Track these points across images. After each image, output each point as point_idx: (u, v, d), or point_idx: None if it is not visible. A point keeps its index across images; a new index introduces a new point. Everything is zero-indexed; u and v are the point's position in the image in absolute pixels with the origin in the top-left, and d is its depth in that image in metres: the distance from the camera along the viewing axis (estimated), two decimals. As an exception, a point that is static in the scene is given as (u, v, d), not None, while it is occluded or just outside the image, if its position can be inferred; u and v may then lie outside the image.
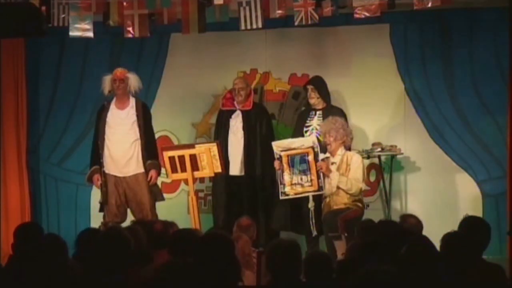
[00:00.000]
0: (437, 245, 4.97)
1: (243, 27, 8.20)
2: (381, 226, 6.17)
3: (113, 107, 8.53)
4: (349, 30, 9.36)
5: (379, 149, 8.96)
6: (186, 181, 8.63)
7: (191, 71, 9.73)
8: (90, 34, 8.37)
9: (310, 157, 8.19)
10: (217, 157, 8.27)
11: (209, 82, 9.61)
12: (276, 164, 8.32)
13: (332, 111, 8.63)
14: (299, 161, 8.23)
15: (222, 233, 5.06)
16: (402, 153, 9.10)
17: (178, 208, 9.28)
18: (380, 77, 9.36)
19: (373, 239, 5.38)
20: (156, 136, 8.86)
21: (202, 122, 9.71)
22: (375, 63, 9.38)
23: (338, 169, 8.15)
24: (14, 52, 9.74)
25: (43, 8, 8.09)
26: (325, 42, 9.56)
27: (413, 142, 9.31)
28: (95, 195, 9.66)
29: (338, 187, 8.10)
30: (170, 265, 5.15)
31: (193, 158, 8.25)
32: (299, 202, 8.39)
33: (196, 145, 8.52)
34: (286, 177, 8.25)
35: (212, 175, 8.43)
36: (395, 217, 8.10)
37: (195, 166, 8.26)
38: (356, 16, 8.05)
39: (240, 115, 8.91)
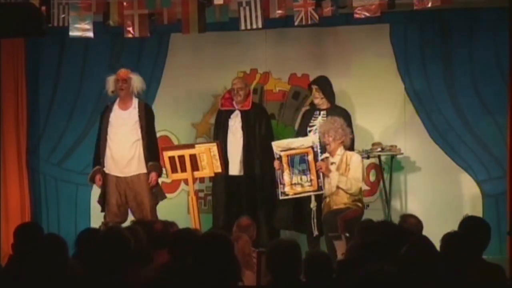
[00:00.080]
0: (437, 245, 4.97)
1: (243, 27, 8.20)
2: (381, 226, 6.17)
3: (116, 108, 8.55)
4: (349, 30, 9.36)
5: (379, 149, 8.96)
6: (186, 181, 8.63)
7: (191, 71, 9.73)
8: (90, 34, 8.37)
9: (310, 157, 8.20)
10: (217, 157, 8.27)
11: (209, 82, 9.61)
12: (276, 164, 8.32)
13: (337, 111, 8.61)
14: (298, 161, 8.24)
15: (222, 233, 5.06)
16: (402, 153, 9.11)
17: (178, 208, 9.28)
18: (380, 77, 9.36)
19: (373, 239, 5.38)
20: (156, 136, 8.87)
21: (202, 122, 9.71)
22: (375, 63, 9.38)
23: (337, 169, 8.15)
24: (14, 52, 9.74)
25: (43, 8, 8.09)
26: (325, 42, 9.56)
27: (413, 142, 9.31)
28: (95, 195, 9.65)
29: (337, 187, 8.10)
30: (170, 265, 5.16)
31: (193, 158, 8.25)
32: (301, 202, 8.39)
33: (196, 145, 8.52)
34: (286, 177, 8.25)
35: (212, 175, 8.43)
36: (395, 217, 8.12)
37: (195, 166, 8.27)
38: (356, 16, 8.05)
39: (239, 115, 8.91)
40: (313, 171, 8.16)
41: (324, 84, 8.73)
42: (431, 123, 9.30)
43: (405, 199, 9.33)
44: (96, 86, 9.81)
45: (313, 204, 8.21)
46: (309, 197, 8.24)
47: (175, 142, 9.61)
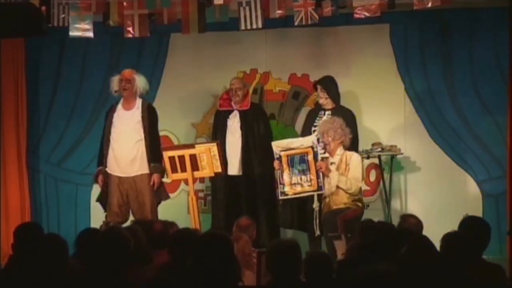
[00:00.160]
0: (437, 245, 4.97)
1: (243, 27, 8.20)
2: (381, 226, 6.17)
3: (119, 108, 8.57)
4: (349, 30, 9.37)
5: (379, 149, 8.96)
6: (186, 181, 8.63)
7: (191, 71, 9.74)
8: (90, 34, 8.38)
9: (310, 157, 8.19)
10: (217, 157, 8.27)
11: (209, 82, 9.61)
12: (276, 164, 8.32)
13: (342, 111, 8.59)
14: (298, 161, 8.23)
15: (221, 233, 5.06)
16: (402, 153, 9.11)
17: (178, 208, 9.27)
18: (380, 77, 9.36)
19: (373, 239, 5.38)
20: (160, 137, 8.87)
21: (202, 122, 9.71)
22: (375, 63, 9.38)
23: (337, 169, 8.15)
24: (14, 52, 9.74)
25: (43, 8, 8.09)
26: (325, 42, 9.56)
27: (413, 142, 9.31)
28: (95, 195, 9.65)
29: (337, 187, 8.10)
30: (170, 265, 5.16)
31: (193, 158, 8.25)
32: (305, 201, 8.38)
33: (196, 145, 8.52)
34: (286, 177, 8.25)
35: (212, 175, 8.43)
36: (395, 217, 8.12)
37: (195, 166, 8.26)
38: (356, 16, 8.05)
39: (238, 115, 8.91)
40: (313, 171, 8.16)
41: (329, 84, 8.70)
42: (431, 123, 9.30)
43: (405, 199, 9.33)
44: (96, 86, 9.82)
45: (315, 204, 8.20)
46: (312, 196, 8.24)
47: (175, 142, 9.61)
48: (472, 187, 9.18)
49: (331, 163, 8.19)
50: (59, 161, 9.96)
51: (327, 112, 8.62)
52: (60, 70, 9.95)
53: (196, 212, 8.27)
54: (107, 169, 8.49)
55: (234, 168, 8.78)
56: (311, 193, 8.22)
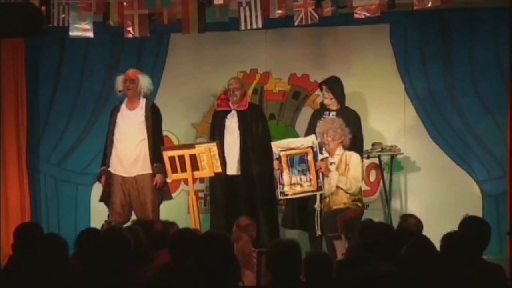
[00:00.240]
0: (437, 245, 4.97)
1: (243, 27, 8.20)
2: (381, 226, 6.18)
3: (123, 107, 8.59)
4: (349, 30, 9.36)
5: (379, 149, 8.96)
6: (186, 181, 8.63)
7: (191, 71, 9.74)
8: (90, 34, 8.38)
9: (309, 157, 8.19)
10: (217, 157, 8.27)
11: (209, 82, 9.61)
12: (275, 164, 8.31)
13: (346, 112, 8.59)
14: (298, 161, 8.23)
15: (221, 232, 5.06)
16: (402, 153, 9.11)
17: (178, 208, 9.27)
18: (380, 77, 9.36)
19: (373, 239, 5.38)
20: (163, 137, 8.87)
21: (202, 122, 9.71)
22: (375, 63, 9.38)
23: (337, 169, 8.14)
24: (14, 52, 9.74)
25: (43, 8, 8.09)
26: (325, 42, 9.56)
27: (413, 142, 9.31)
28: (95, 195, 9.67)
29: (337, 187, 8.10)
30: (170, 265, 5.16)
31: (193, 158, 8.25)
32: (306, 200, 8.38)
33: (196, 145, 8.51)
34: (285, 177, 8.24)
35: (212, 175, 8.42)
36: (395, 217, 8.12)
37: (195, 166, 8.26)
38: (356, 16, 8.05)
39: (236, 115, 8.91)
40: (313, 171, 8.16)
41: (334, 85, 8.68)
42: (431, 123, 9.30)
43: (405, 199, 9.33)
44: (96, 86, 9.83)
45: (317, 205, 8.19)
46: (314, 196, 8.23)
47: (175, 142, 9.61)
48: (472, 187, 9.18)
49: (331, 163, 8.19)
50: (59, 161, 9.96)
51: (331, 113, 8.61)
52: (60, 70, 9.94)
53: (196, 212, 8.26)
54: (110, 169, 8.50)
55: (232, 168, 8.77)
56: (311, 193, 8.21)
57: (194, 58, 9.75)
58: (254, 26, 8.15)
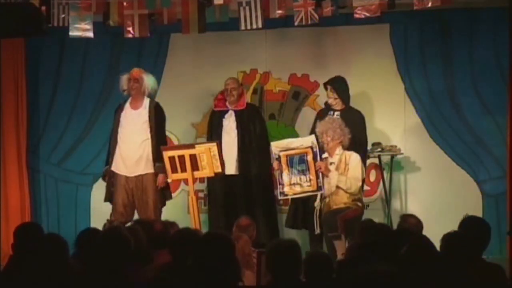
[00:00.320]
0: (437, 245, 4.97)
1: (243, 27, 8.20)
2: (381, 226, 6.18)
3: (127, 107, 8.60)
4: (349, 30, 9.36)
5: (379, 149, 8.97)
6: (186, 181, 8.63)
7: (191, 71, 9.74)
8: (90, 34, 8.38)
9: (309, 157, 8.19)
10: (217, 157, 8.27)
11: (209, 82, 9.60)
12: (275, 164, 8.32)
13: (351, 112, 8.59)
14: (298, 161, 8.23)
15: (223, 233, 5.06)
16: (402, 153, 9.11)
17: (178, 208, 9.28)
18: (380, 77, 9.36)
19: (373, 239, 5.38)
20: (166, 137, 8.87)
21: (202, 122, 9.70)
22: (375, 63, 9.38)
23: (336, 168, 8.15)
24: (14, 52, 9.74)
25: (43, 8, 8.09)
26: (325, 42, 9.56)
27: (413, 142, 9.31)
28: (95, 195, 9.68)
29: (337, 187, 8.10)
30: (170, 265, 5.16)
31: (193, 158, 8.25)
32: (307, 200, 8.37)
33: (196, 145, 8.51)
34: (285, 177, 8.25)
35: (212, 175, 8.42)
36: (395, 217, 8.12)
37: (195, 166, 8.26)
38: (356, 16, 8.05)
39: (233, 115, 8.92)
40: (312, 171, 8.16)
41: (338, 85, 8.67)
42: (431, 123, 9.30)
43: (405, 199, 9.33)
44: (96, 86, 9.83)
45: (317, 203, 8.19)
46: (316, 195, 8.23)
47: (175, 142, 9.60)
48: (472, 187, 9.18)
49: (331, 163, 8.19)
50: (59, 161, 9.95)
51: (336, 113, 8.61)
52: (60, 70, 9.94)
53: (196, 212, 8.26)
54: (113, 168, 8.51)
55: (230, 168, 8.77)
56: (311, 194, 8.22)
57: (194, 58, 9.75)
58: (254, 26, 8.16)
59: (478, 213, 8.59)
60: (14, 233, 5.55)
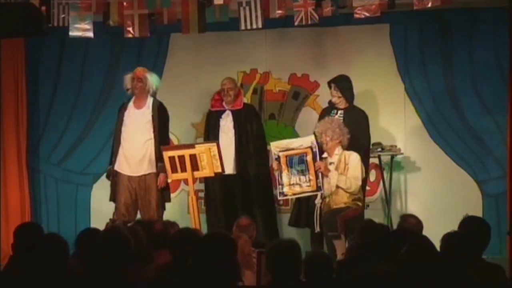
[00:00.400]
0: (437, 245, 4.97)
1: (243, 27, 8.20)
2: (381, 226, 6.18)
3: (131, 106, 8.60)
4: (349, 30, 9.37)
5: (379, 149, 8.97)
6: (186, 181, 8.62)
7: (191, 71, 9.74)
8: (90, 34, 8.38)
9: (309, 157, 8.18)
10: (217, 157, 8.26)
11: (209, 82, 9.60)
12: (275, 164, 8.32)
13: (354, 111, 8.58)
14: (297, 162, 8.22)
15: (224, 233, 5.06)
16: (402, 153, 9.12)
17: (178, 208, 9.28)
18: (380, 77, 9.36)
19: (373, 239, 5.38)
20: (169, 137, 8.87)
21: (202, 122, 9.68)
22: (375, 63, 9.38)
23: (336, 168, 8.14)
24: (14, 52, 9.74)
25: (43, 8, 8.09)
26: (325, 42, 9.56)
27: (413, 142, 9.32)
28: (95, 195, 9.69)
29: (337, 186, 8.09)
30: (170, 265, 5.16)
31: (193, 158, 8.24)
32: (308, 198, 8.37)
33: (196, 145, 8.51)
34: (285, 177, 8.24)
35: (212, 175, 8.41)
36: (395, 217, 8.13)
37: (195, 166, 8.25)
38: (356, 16, 8.05)
39: (230, 115, 8.92)
40: (312, 171, 8.15)
41: (343, 83, 8.65)
42: (431, 123, 9.30)
43: (405, 199, 9.33)
44: (96, 86, 9.83)
45: (318, 201, 8.18)
46: (316, 194, 8.22)
47: (175, 142, 9.60)
48: (472, 187, 9.18)
49: (330, 163, 8.19)
50: (59, 161, 9.95)
51: (339, 112, 8.60)
52: (60, 70, 9.94)
53: (196, 212, 8.26)
54: (116, 168, 8.51)
55: (228, 168, 8.75)
56: (310, 194, 8.22)
57: (194, 58, 9.75)
58: (254, 26, 8.16)
59: (478, 213, 8.59)
60: (14, 233, 5.55)
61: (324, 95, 9.20)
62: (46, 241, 5.00)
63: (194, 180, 8.40)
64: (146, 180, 8.48)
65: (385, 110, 9.36)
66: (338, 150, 8.20)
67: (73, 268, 4.85)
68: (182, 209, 9.29)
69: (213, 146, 8.30)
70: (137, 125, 8.52)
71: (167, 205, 8.69)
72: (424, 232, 6.16)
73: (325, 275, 4.85)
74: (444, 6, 8.19)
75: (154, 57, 9.77)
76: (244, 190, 8.83)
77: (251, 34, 9.13)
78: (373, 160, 9.11)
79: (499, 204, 8.94)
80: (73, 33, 8.37)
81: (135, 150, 8.49)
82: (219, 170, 8.30)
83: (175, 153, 8.31)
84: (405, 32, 9.35)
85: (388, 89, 9.38)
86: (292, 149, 8.27)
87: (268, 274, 4.95)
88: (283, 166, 8.24)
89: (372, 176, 9.30)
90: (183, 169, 8.25)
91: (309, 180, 8.17)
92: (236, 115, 8.91)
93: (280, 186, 8.28)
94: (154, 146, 8.46)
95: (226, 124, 8.91)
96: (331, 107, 8.71)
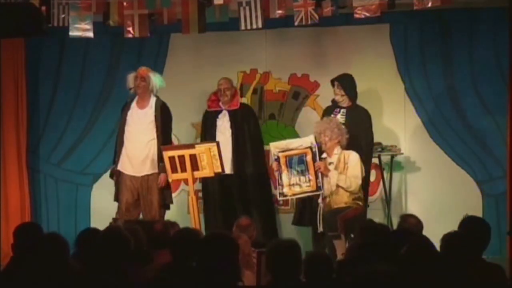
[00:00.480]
0: (437, 245, 4.97)
1: (243, 27, 8.20)
2: (381, 226, 6.18)
3: (134, 106, 8.60)
4: (349, 30, 9.37)
5: (379, 149, 8.97)
6: (186, 181, 8.62)
7: (191, 71, 9.74)
8: (90, 34, 8.38)
9: (308, 158, 8.18)
10: (217, 157, 8.27)
11: (209, 82, 9.58)
12: (274, 165, 8.32)
13: (357, 110, 8.58)
14: (297, 162, 8.22)
15: (225, 233, 5.06)
16: (402, 153, 9.12)
17: (178, 208, 9.27)
18: (380, 77, 9.36)
19: (373, 239, 5.38)
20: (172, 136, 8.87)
21: (202, 122, 9.71)
22: (375, 63, 9.38)
23: (335, 168, 8.14)
24: (14, 52, 9.74)
25: (43, 8, 8.10)
26: (325, 42, 9.56)
27: (413, 142, 9.31)
28: (95, 195, 9.69)
29: (337, 186, 8.09)
30: (170, 265, 5.16)
31: (193, 158, 8.25)
32: (311, 198, 8.37)
33: (196, 145, 8.51)
34: (284, 178, 8.24)
35: (212, 175, 8.42)
36: (395, 217, 8.13)
37: (195, 166, 8.26)
38: (356, 16, 8.05)
39: (227, 115, 8.93)
40: (312, 171, 8.15)
41: (346, 82, 8.65)
42: (431, 123, 9.30)
43: (405, 199, 9.33)
44: (96, 86, 9.83)
45: (320, 199, 8.18)
46: (318, 193, 8.22)
47: (175, 142, 9.59)
48: (472, 187, 9.18)
49: (329, 163, 8.19)
50: (59, 161, 9.95)
51: (342, 110, 8.60)
52: (60, 70, 9.95)
53: (196, 212, 8.26)
54: (119, 167, 8.51)
55: (225, 168, 8.75)
56: (310, 194, 8.22)
57: (194, 58, 9.75)
58: (254, 26, 8.16)
59: (478, 213, 8.59)
60: (14, 233, 5.55)
61: (324, 95, 9.20)
62: (46, 241, 4.99)
63: (194, 180, 8.40)
64: (148, 180, 8.48)
65: (385, 110, 9.36)
66: (337, 150, 8.20)
67: (73, 268, 4.85)
68: (182, 209, 9.29)
69: (213, 146, 8.31)
70: (140, 125, 8.51)
71: (167, 205, 8.70)
72: (424, 232, 6.16)
73: (325, 275, 4.85)
74: (444, 6, 8.19)
75: (154, 57, 9.77)
76: (242, 190, 8.84)
77: (251, 34, 9.13)
78: (373, 160, 9.09)
79: (499, 204, 8.94)
80: (73, 33, 8.37)
81: (138, 150, 8.49)
82: (219, 170, 8.31)
83: (175, 153, 8.31)
84: (405, 32, 9.35)
85: (388, 89, 9.38)
86: (292, 149, 8.27)
87: (268, 274, 4.95)
88: (283, 167, 8.24)
89: (372, 176, 9.28)
90: (183, 169, 8.25)
91: (309, 180, 8.17)
92: (232, 115, 8.91)
93: (280, 187, 8.28)
94: (157, 146, 8.46)
95: (223, 124, 8.91)
96: (334, 105, 8.71)
